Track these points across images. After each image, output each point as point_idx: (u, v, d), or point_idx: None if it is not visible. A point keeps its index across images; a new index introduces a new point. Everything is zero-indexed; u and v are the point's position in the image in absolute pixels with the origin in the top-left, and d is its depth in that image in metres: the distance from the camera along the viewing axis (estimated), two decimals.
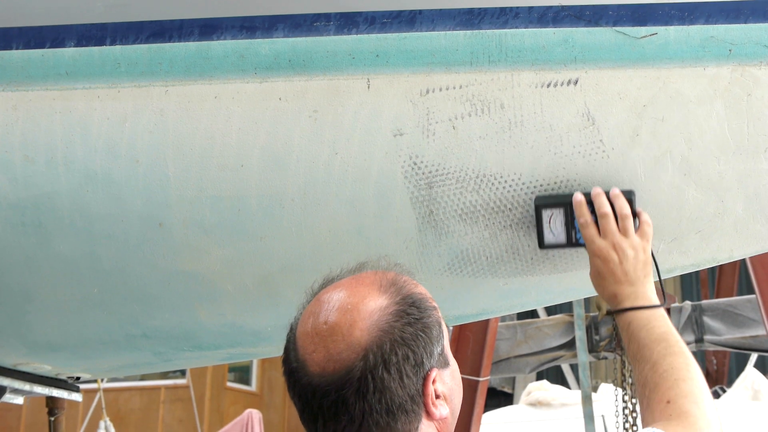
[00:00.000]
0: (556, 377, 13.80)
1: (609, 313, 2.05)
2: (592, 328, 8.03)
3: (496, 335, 7.54)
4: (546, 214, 2.12)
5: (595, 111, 2.03)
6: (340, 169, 2.10)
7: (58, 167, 2.17)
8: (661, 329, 1.98)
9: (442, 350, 1.62)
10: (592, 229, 2.06)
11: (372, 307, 1.56)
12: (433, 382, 1.58)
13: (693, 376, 1.90)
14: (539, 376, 12.97)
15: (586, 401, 7.39)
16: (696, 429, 1.80)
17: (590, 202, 2.08)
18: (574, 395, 9.36)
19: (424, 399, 1.57)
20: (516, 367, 9.21)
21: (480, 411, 6.90)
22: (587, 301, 7.96)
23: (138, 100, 2.08)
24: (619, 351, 8.10)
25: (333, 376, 1.51)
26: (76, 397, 3.56)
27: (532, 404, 9.95)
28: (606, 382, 12.02)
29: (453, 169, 2.08)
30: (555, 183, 2.10)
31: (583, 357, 7.77)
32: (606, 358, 8.24)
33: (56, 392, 3.45)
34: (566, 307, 9.57)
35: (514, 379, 15.94)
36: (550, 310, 11.00)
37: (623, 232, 2.05)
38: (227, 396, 18.74)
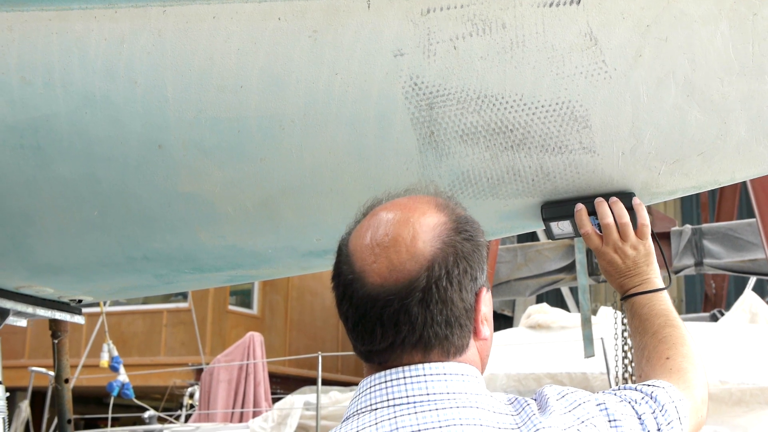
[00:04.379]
0: (556, 300, 13.92)
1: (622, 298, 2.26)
2: (592, 251, 8.06)
3: (496, 258, 7.57)
4: (554, 224, 2.32)
5: (597, 31, 2.01)
6: (341, 89, 2.08)
7: (56, 89, 2.16)
8: (662, 306, 2.16)
9: (486, 272, 1.65)
10: (595, 238, 2.23)
11: (433, 221, 1.59)
12: (482, 301, 1.61)
13: (689, 343, 2.05)
14: (539, 299, 13.08)
15: (586, 324, 7.45)
16: (691, 385, 1.91)
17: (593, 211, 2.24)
18: (574, 318, 9.43)
19: (475, 315, 1.61)
20: (516, 290, 9.28)
21: None
22: None
23: (135, 20, 2.05)
24: None
25: (396, 286, 1.53)
26: (79, 319, 3.58)
27: (532, 327, 10.03)
28: (605, 305, 12.13)
29: (454, 90, 2.07)
30: (557, 104, 2.08)
31: (583, 280, 7.82)
32: (606, 281, 8.28)
33: (59, 315, 3.47)
34: None
35: (514, 302, 16.07)
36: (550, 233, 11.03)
37: (623, 237, 2.21)
38: (229, 319, 18.91)
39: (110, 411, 12.28)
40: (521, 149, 2.17)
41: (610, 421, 1.64)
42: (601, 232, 2.22)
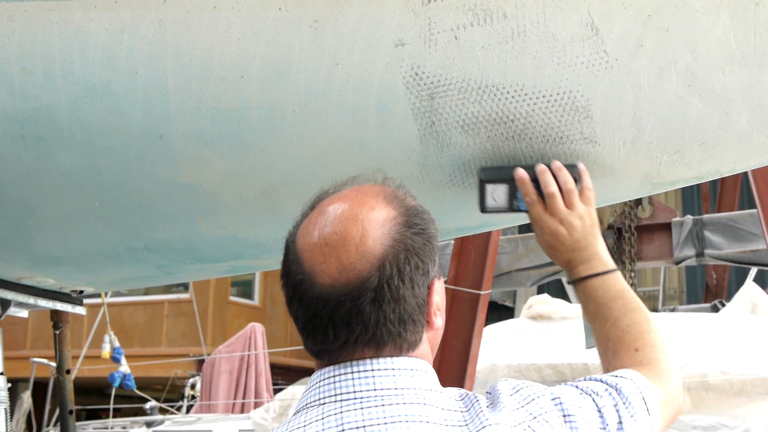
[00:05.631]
0: (557, 291, 13.91)
1: (568, 282, 2.11)
2: None
3: (497, 249, 7.57)
4: (490, 187, 2.15)
5: (599, 20, 2.01)
6: (341, 80, 2.08)
7: (57, 79, 2.16)
8: (617, 287, 2.04)
9: (438, 263, 1.64)
10: (538, 207, 2.09)
11: (382, 216, 1.57)
12: (435, 292, 1.60)
13: (654, 328, 1.96)
14: (540, 290, 13.08)
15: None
16: (663, 375, 1.85)
17: (535, 179, 2.10)
18: (575, 309, 9.43)
19: (428, 308, 1.60)
20: (517, 281, 9.28)
21: (481, 324, 6.95)
22: None
23: (136, 10, 2.05)
24: (620, 265, 8.15)
25: (347, 287, 1.52)
26: (80, 310, 3.58)
27: (533, 317, 10.02)
28: None
29: (455, 80, 2.07)
30: (558, 94, 2.08)
31: None
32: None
33: (60, 306, 3.47)
34: None
35: (515, 293, 16.09)
36: None
37: (569, 206, 2.08)
38: (230, 310, 18.94)
39: (112, 402, 12.29)
40: (523, 139, 2.17)
41: (564, 416, 1.61)
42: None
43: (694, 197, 18.34)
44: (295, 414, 1.60)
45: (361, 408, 1.53)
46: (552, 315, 9.88)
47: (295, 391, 10.44)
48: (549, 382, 8.88)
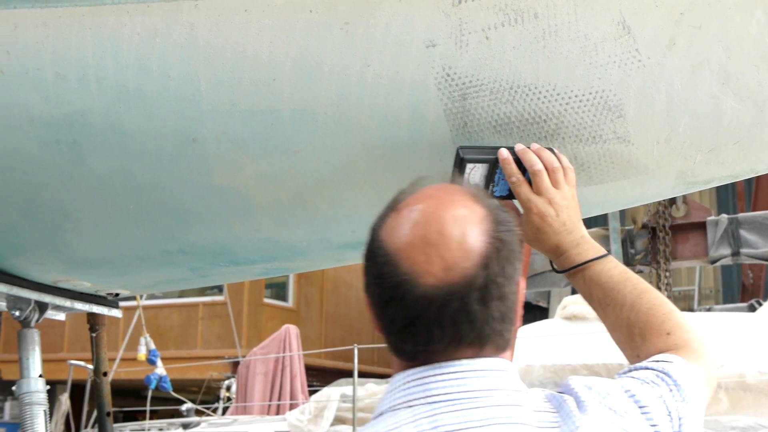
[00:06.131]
0: None
1: (557, 271, 1.98)
2: (627, 241, 8.02)
3: (530, 249, 7.54)
4: (469, 167, 2.08)
5: (630, 19, 2.00)
6: (373, 81, 2.08)
7: (90, 84, 2.17)
8: (617, 269, 1.99)
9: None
10: (525, 188, 2.02)
11: (477, 214, 1.55)
12: (521, 290, 1.60)
13: (673, 308, 1.93)
14: (574, 290, 13.00)
15: None
16: (701, 354, 1.84)
17: (517, 160, 2.04)
18: None
19: (518, 306, 1.59)
20: (551, 281, 9.26)
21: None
22: (622, 213, 7.94)
23: (168, 14, 2.06)
24: (655, 264, 8.11)
25: (453, 286, 1.49)
26: (116, 313, 3.61)
27: (568, 318, 9.98)
28: None
29: (487, 80, 2.06)
30: (590, 93, 2.07)
31: None
32: (641, 271, 8.24)
33: (96, 309, 3.50)
34: (601, 221, 9.55)
35: (549, 293, 16.01)
36: (585, 224, 10.99)
37: (555, 184, 2.02)
38: (264, 312, 19.00)
39: (148, 404, 12.38)
40: (555, 139, 2.16)
41: (639, 407, 1.61)
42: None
43: (729, 196, 18.21)
44: (378, 416, 1.57)
45: (455, 410, 1.50)
46: (586, 315, 9.82)
47: (330, 393, 10.46)
48: None
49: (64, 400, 13.75)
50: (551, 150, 2.07)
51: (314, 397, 10.60)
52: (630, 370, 1.75)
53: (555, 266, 2.08)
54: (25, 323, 3.23)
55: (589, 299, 2.03)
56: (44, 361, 3.31)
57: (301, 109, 2.15)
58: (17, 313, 3.19)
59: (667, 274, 8.50)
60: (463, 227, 1.52)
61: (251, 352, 13.16)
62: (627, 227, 8.22)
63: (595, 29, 2.01)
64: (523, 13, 2.00)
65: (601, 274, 1.99)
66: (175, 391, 11.69)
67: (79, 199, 2.55)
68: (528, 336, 9.02)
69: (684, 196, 8.52)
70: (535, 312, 14.62)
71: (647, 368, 1.74)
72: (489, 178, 2.09)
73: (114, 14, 2.08)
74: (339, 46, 2.05)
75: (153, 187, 2.45)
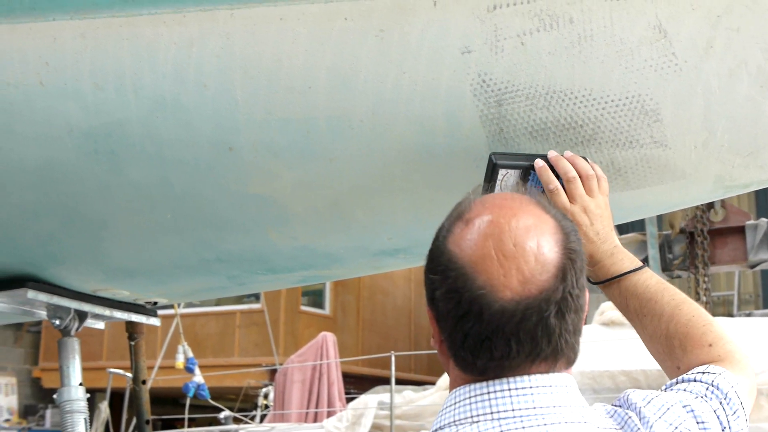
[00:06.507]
0: None
1: (591, 282, 1.92)
2: (665, 246, 7.97)
3: None
4: (501, 173, 2.05)
5: (666, 23, 1.99)
6: (408, 88, 2.08)
7: (128, 94, 2.19)
8: (653, 280, 1.97)
9: None
10: (562, 196, 1.99)
11: (549, 225, 1.54)
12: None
13: (711, 319, 1.90)
14: None
15: None
16: (743, 365, 1.82)
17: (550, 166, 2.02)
18: None
19: (584, 316, 1.57)
20: (589, 287, 9.17)
21: None
22: (660, 218, 7.89)
23: (204, 24, 2.07)
24: (693, 269, 8.05)
25: (532, 300, 1.47)
26: (155, 322, 3.63)
27: (606, 324, 9.92)
28: None
29: (522, 86, 2.06)
30: (626, 98, 2.06)
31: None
32: (680, 276, 8.18)
33: (135, 317, 3.52)
34: (638, 226, 9.49)
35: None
36: (622, 229, 10.93)
37: (589, 192, 2.00)
38: (301, 319, 19.03)
39: (186, 411, 12.44)
40: (592, 144, 2.15)
41: (698, 423, 1.60)
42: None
43: None
44: (438, 430, 1.54)
45: (523, 427, 1.48)
46: (624, 321, 9.72)
47: (367, 400, 10.46)
48: (623, 388, 8.77)
49: (104, 408, 13.84)
50: (584, 159, 2.05)
51: (352, 404, 10.61)
52: (679, 382, 1.73)
53: (590, 277, 2.03)
54: (65, 332, 3.26)
55: (625, 310, 2.01)
56: (84, 369, 3.34)
57: (337, 117, 2.16)
58: (57, 322, 3.21)
59: (706, 279, 8.44)
60: (538, 238, 1.50)
61: (288, 360, 13.18)
62: (664, 232, 8.17)
63: (630, 33, 2.00)
64: (558, 18, 1.99)
65: (637, 285, 1.97)
66: (213, 398, 11.74)
67: (118, 209, 2.57)
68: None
69: (722, 200, 8.46)
70: None
71: (696, 381, 1.72)
72: (521, 186, 2.08)
73: (151, 24, 2.09)
74: (374, 54, 2.06)
75: (190, 196, 2.46)
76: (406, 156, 2.22)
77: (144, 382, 4.51)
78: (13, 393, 20.08)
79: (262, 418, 13.59)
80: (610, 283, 2.01)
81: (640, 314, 1.97)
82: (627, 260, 2.00)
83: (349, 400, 12.14)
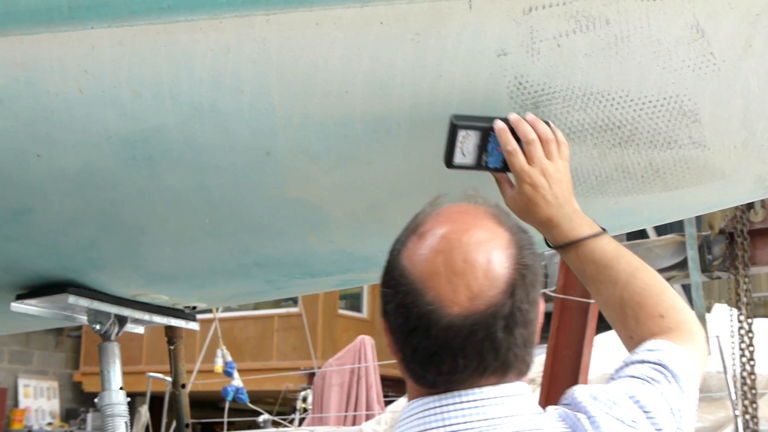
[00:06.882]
0: None
1: (550, 246, 1.93)
2: (704, 247, 7.89)
3: None
4: (461, 134, 2.05)
5: (704, 22, 1.97)
6: (445, 92, 2.08)
7: (165, 100, 2.20)
8: (611, 246, 1.98)
9: None
10: (520, 157, 2.00)
11: (502, 239, 1.54)
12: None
13: (666, 286, 1.92)
14: None
15: (700, 322, 7.29)
16: (693, 335, 1.84)
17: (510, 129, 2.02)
18: None
19: (538, 328, 1.58)
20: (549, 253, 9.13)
21: (592, 333, 6.86)
22: (699, 219, 7.82)
23: (240, 30, 2.08)
24: (733, 270, 7.97)
25: (479, 315, 1.48)
26: (193, 326, 3.65)
27: None
28: (720, 302, 11.87)
29: (559, 88, 2.05)
30: (664, 98, 2.05)
31: (696, 277, 7.66)
32: (719, 277, 8.10)
33: (174, 322, 3.54)
34: (677, 227, 9.42)
35: None
36: (660, 230, 10.86)
37: (549, 156, 2.00)
38: (339, 323, 19.04)
39: (225, 415, 12.47)
40: (629, 146, 2.14)
41: (645, 412, 1.60)
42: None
43: None
44: None
45: None
46: None
47: (405, 403, 10.44)
48: None
49: (144, 412, 13.92)
50: (547, 123, 2.05)
51: (390, 407, 10.60)
52: (627, 365, 1.74)
53: (548, 242, 2.06)
54: (105, 337, 3.28)
55: (582, 276, 2.01)
56: (123, 373, 3.36)
57: (374, 121, 2.16)
58: (98, 327, 3.24)
59: (746, 280, 8.35)
60: (489, 254, 1.52)
61: (326, 363, 13.19)
62: (704, 233, 8.09)
63: (668, 34, 1.99)
64: (595, 19, 1.98)
65: (594, 250, 1.97)
66: (251, 402, 11.76)
67: (156, 214, 2.58)
68: (605, 344, 8.93)
69: (762, 200, 8.37)
70: None
71: (643, 361, 1.72)
72: (482, 148, 2.07)
73: (187, 31, 2.10)
74: (410, 57, 2.05)
75: (228, 201, 2.47)
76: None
77: (183, 386, 4.54)
78: (55, 397, 20.26)
79: (301, 421, 13.62)
80: (567, 248, 2.01)
81: (596, 281, 1.97)
82: (586, 226, 2.00)
83: (387, 403, 12.13)
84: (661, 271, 8.50)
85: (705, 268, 7.95)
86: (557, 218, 2.00)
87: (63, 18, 2.13)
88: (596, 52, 2.01)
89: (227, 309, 17.63)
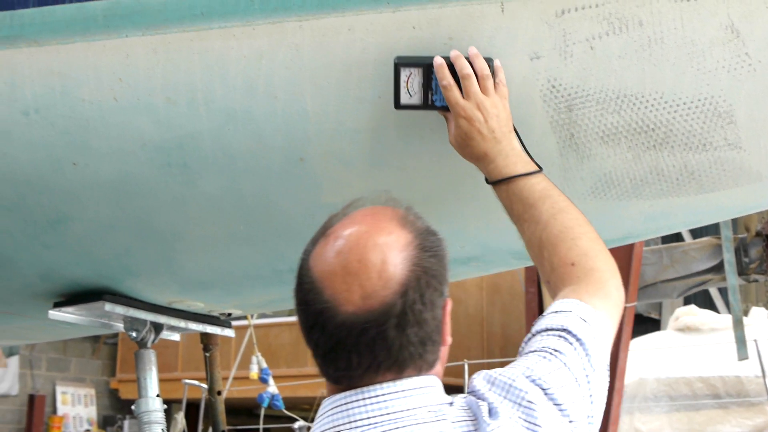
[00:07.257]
0: (704, 302, 13.56)
1: (487, 182, 1.94)
2: (741, 250, 7.83)
3: (641, 260, 7.43)
4: (404, 73, 2.05)
5: (739, 23, 1.96)
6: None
7: (199, 107, 2.21)
8: (540, 186, 2.00)
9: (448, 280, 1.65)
10: (455, 91, 2.02)
11: (400, 241, 1.58)
12: (447, 311, 1.63)
13: (586, 230, 1.93)
14: (686, 301, 12.77)
15: (738, 325, 7.23)
16: (603, 284, 1.85)
17: (450, 65, 2.02)
18: (724, 320, 9.18)
19: (443, 327, 1.62)
20: (663, 293, 9.08)
21: (628, 337, 6.83)
22: (735, 222, 7.77)
23: (273, 36, 2.09)
24: None
25: (371, 314, 1.53)
26: (229, 333, 3.66)
27: (681, 329, 9.80)
28: (757, 305, 11.77)
29: (592, 91, 2.04)
30: (699, 100, 2.04)
31: (733, 280, 7.61)
32: (756, 280, 8.04)
33: (209, 329, 3.55)
34: (712, 230, 9.36)
35: (660, 305, 15.74)
36: (696, 233, 10.79)
37: (484, 91, 2.01)
38: None
39: (261, 422, 12.49)
40: (664, 148, 2.13)
41: (543, 389, 1.61)
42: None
43: None
44: None
45: None
46: (700, 326, 9.64)
47: None
48: (700, 395, 8.68)
49: (180, 419, 13.95)
50: (490, 60, 2.04)
51: None
52: (534, 335, 1.75)
53: (486, 177, 2.08)
54: (141, 344, 3.30)
55: (510, 214, 2.04)
56: (160, 380, 3.37)
57: (407, 126, 2.16)
58: (134, 334, 3.25)
59: None
60: (385, 255, 1.56)
61: None
62: (740, 236, 8.02)
63: (702, 34, 1.97)
64: (628, 21, 1.97)
65: (523, 189, 2.00)
66: (287, 408, 11.78)
67: (191, 221, 2.59)
68: (640, 349, 8.89)
69: None
70: (647, 324, 14.38)
71: (548, 329, 1.73)
72: (427, 87, 2.07)
73: (221, 38, 2.12)
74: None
75: (263, 207, 2.48)
76: None
77: (219, 393, 4.56)
78: (92, 404, 20.38)
79: None
80: (500, 185, 2.04)
81: (521, 219, 2.01)
82: (521, 164, 2.03)
83: None
84: (697, 274, 8.45)
85: (742, 271, 7.89)
86: (493, 153, 2.03)
87: (98, 27, 2.15)
88: (630, 54, 2.00)
89: (262, 315, 17.66)
